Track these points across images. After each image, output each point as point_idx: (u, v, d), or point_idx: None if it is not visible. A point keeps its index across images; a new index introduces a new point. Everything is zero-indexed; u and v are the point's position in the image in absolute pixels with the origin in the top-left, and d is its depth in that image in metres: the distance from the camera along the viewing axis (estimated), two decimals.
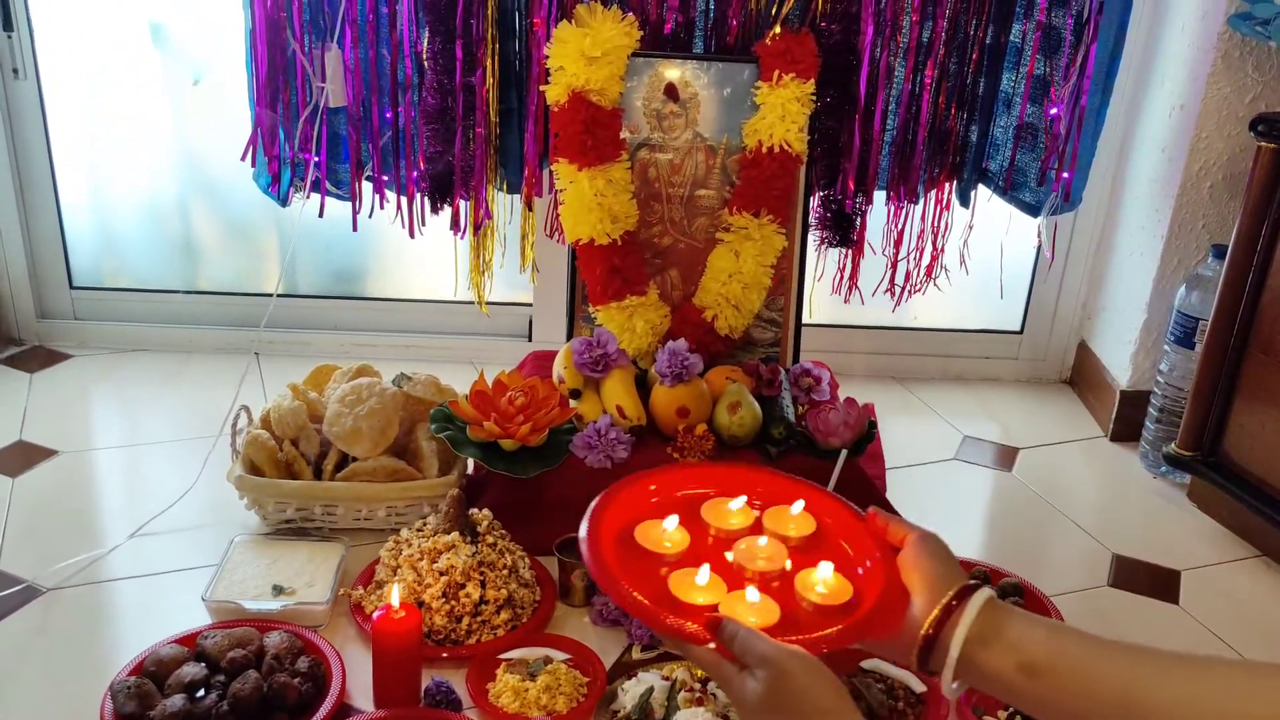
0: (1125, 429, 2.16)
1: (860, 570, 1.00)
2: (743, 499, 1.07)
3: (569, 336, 1.91)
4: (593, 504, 1.04)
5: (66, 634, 1.49)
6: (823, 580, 0.98)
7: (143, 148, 2.25)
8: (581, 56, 1.73)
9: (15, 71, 2.12)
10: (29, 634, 1.49)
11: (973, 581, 0.90)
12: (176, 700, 1.29)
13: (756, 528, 1.05)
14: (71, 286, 2.31)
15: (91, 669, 1.41)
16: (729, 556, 1.02)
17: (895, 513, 1.03)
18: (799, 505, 1.06)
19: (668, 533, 1.03)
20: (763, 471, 1.12)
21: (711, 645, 0.90)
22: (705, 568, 0.98)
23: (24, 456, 1.91)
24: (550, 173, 1.82)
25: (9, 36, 2.09)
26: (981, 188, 2.02)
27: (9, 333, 2.30)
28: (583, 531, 1.00)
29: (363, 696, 1.39)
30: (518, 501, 1.67)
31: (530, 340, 2.34)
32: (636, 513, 1.06)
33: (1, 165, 2.17)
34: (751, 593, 0.96)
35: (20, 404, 2.08)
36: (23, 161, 2.19)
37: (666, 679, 1.38)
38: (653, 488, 1.09)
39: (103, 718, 1.30)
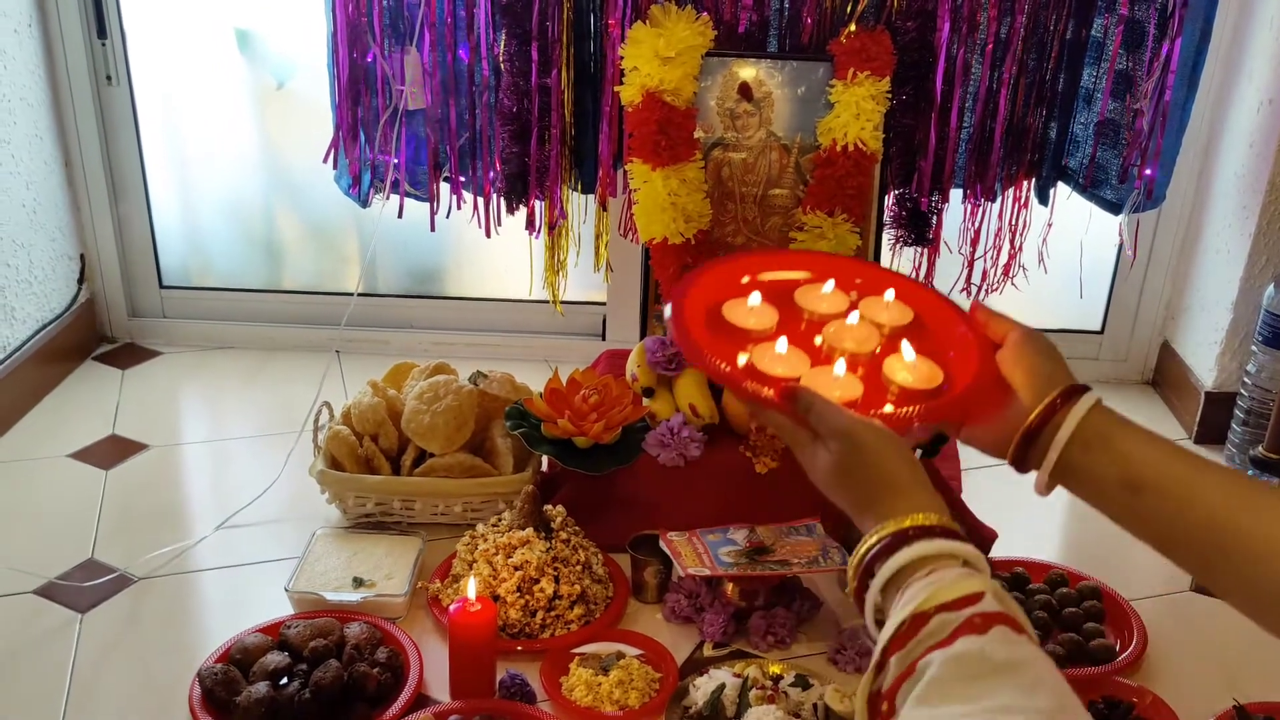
0: (1210, 431, 2.11)
1: (951, 357, 0.98)
2: (832, 284, 1.05)
3: (642, 335, 1.92)
4: (681, 280, 1.03)
5: (156, 621, 1.55)
6: (909, 364, 0.96)
7: (228, 151, 2.31)
8: (656, 57, 1.73)
9: (109, 78, 2.19)
10: (121, 621, 1.54)
11: (1082, 384, 0.86)
12: (261, 687, 1.33)
13: (849, 313, 1.04)
14: (161, 286, 2.38)
15: (180, 655, 1.46)
16: (817, 341, 1.01)
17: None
18: (891, 293, 1.05)
19: (754, 310, 1.02)
20: (860, 262, 1.11)
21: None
22: (783, 339, 0.98)
23: (116, 450, 1.97)
24: (624, 173, 1.83)
25: (103, 44, 2.16)
26: (1061, 185, 1.99)
27: (102, 331, 2.38)
28: (667, 307, 1.00)
29: (439, 687, 1.42)
30: (591, 498, 1.68)
31: (604, 339, 2.35)
32: (727, 293, 1.04)
33: (96, 170, 2.25)
34: (839, 366, 0.95)
35: (113, 399, 2.15)
36: (115, 166, 2.27)
37: (738, 676, 1.38)
38: (746, 279, 1.08)
39: (191, 702, 1.35)
